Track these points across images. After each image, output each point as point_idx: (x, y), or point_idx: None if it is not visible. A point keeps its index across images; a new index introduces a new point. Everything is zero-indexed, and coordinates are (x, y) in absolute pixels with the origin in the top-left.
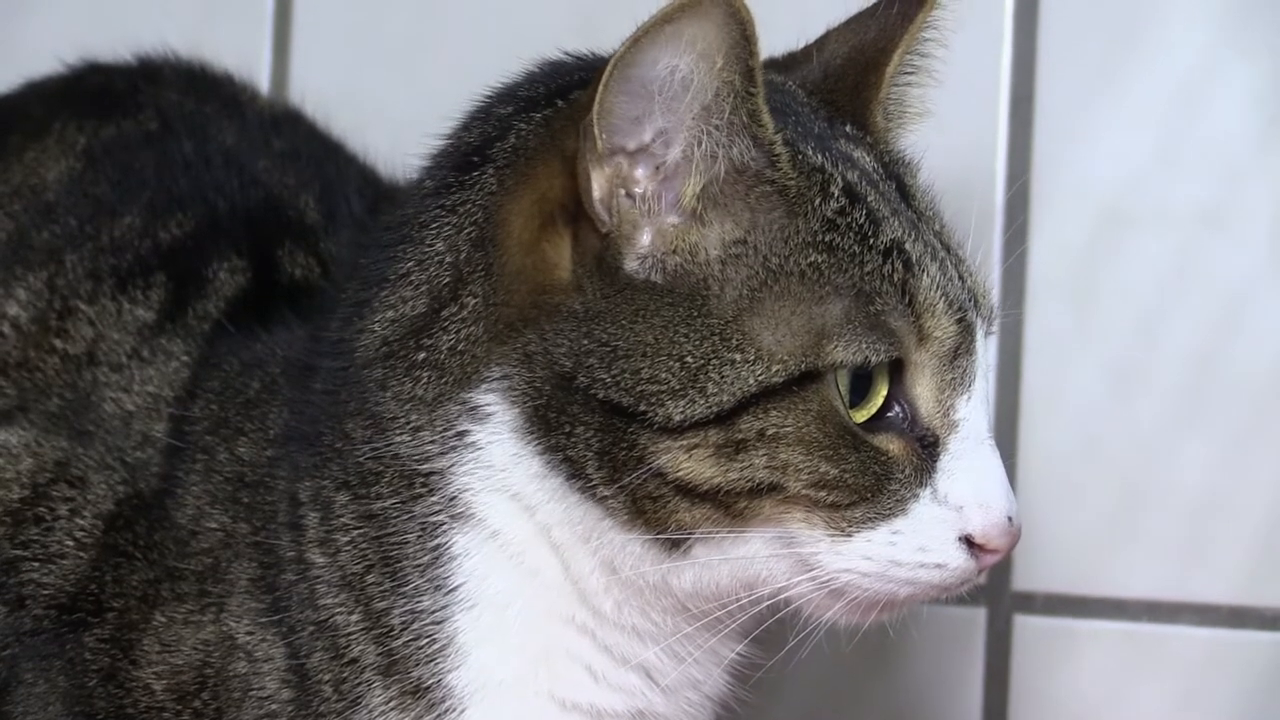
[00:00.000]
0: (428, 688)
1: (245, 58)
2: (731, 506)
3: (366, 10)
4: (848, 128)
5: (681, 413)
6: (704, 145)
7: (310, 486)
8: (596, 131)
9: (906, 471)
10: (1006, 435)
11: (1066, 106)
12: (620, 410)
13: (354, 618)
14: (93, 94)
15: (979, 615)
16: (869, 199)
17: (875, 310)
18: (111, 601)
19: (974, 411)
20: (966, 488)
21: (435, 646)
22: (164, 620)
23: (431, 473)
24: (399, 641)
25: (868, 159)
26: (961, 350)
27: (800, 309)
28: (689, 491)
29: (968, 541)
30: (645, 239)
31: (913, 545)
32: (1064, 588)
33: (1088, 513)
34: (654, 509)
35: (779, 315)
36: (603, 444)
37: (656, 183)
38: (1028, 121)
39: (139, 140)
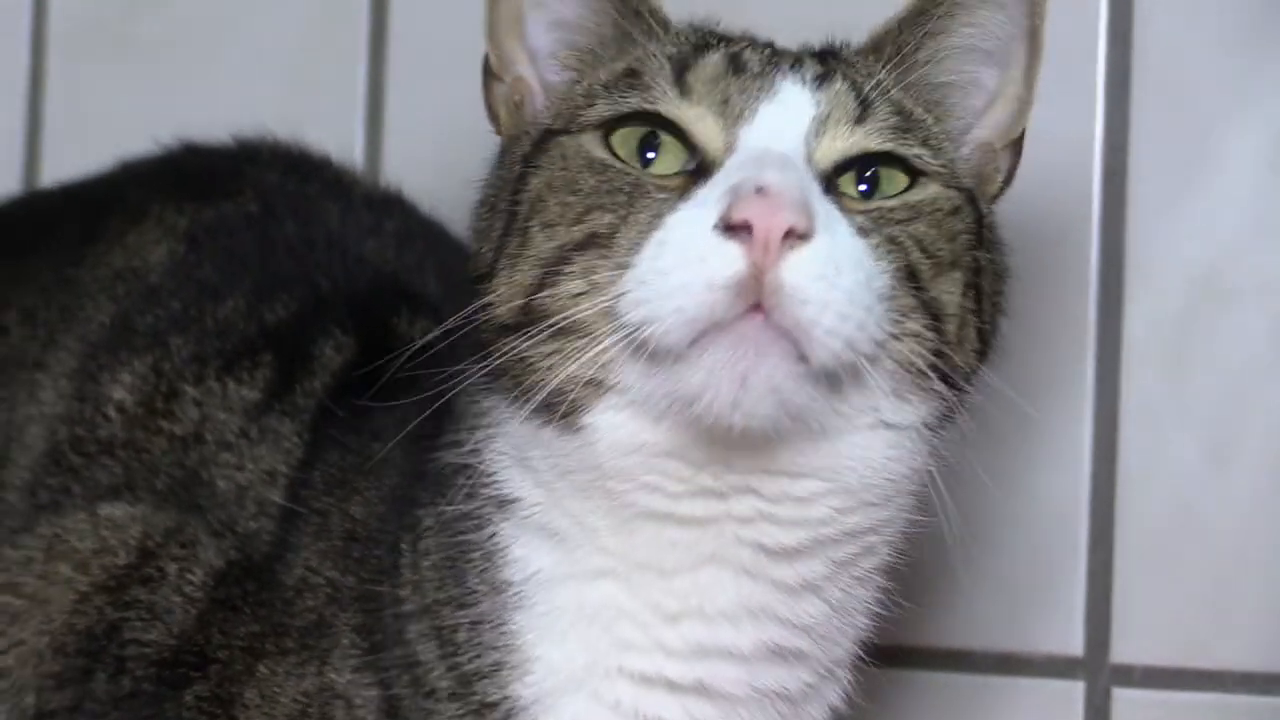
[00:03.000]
0: (494, 703)
1: (338, 137)
2: (551, 310)
3: (460, 90)
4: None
5: (491, 246)
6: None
7: (409, 519)
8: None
9: (666, 189)
10: (1103, 507)
11: (1160, 176)
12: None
13: (430, 645)
14: (192, 176)
15: (1077, 689)
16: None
17: (643, 75)
18: (217, 653)
19: (756, 136)
20: (733, 174)
21: (497, 655)
22: (266, 672)
23: (476, 459)
24: (464, 657)
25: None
26: (735, 84)
27: (591, 89)
28: (521, 327)
29: (729, 229)
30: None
31: (676, 248)
32: (1162, 660)
33: (1185, 584)
34: (520, 373)
35: (565, 104)
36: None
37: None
38: (1121, 192)
39: (240, 222)
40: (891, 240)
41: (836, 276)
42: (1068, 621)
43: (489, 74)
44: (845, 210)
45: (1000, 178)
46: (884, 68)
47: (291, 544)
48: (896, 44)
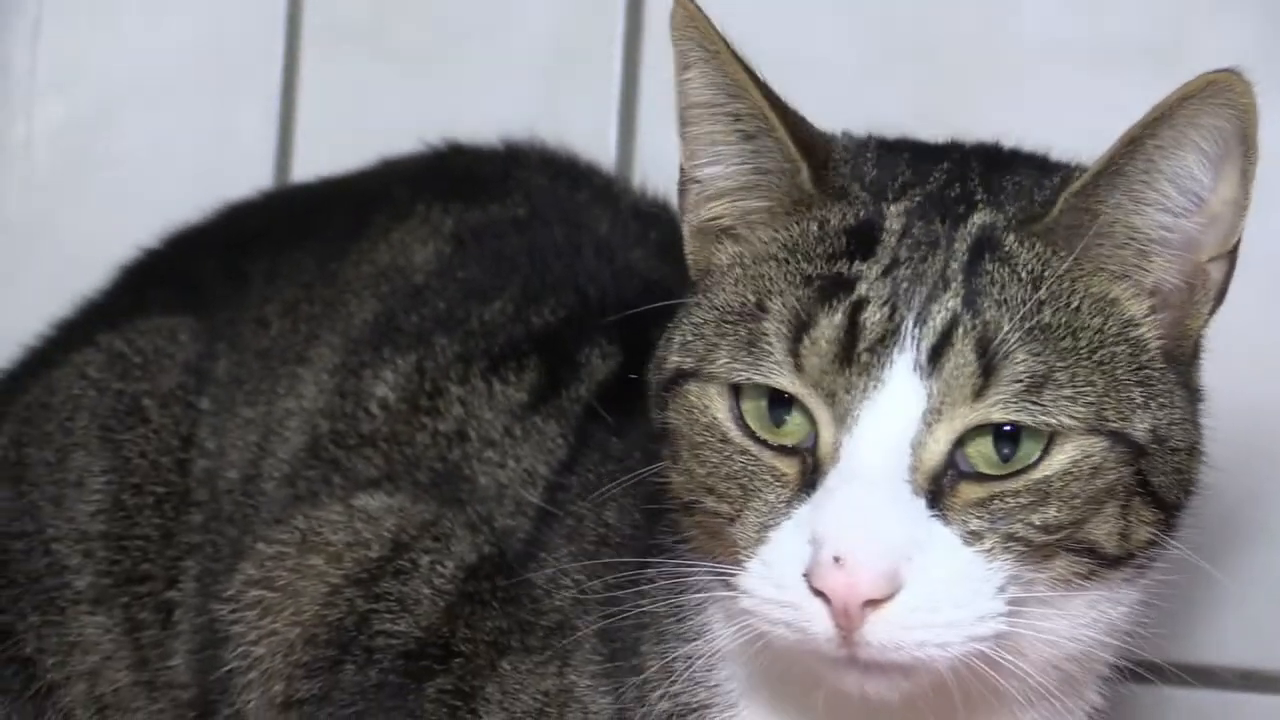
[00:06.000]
0: None
1: (592, 133)
2: (700, 521)
3: None
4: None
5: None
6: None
7: (657, 538)
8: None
9: (781, 488)
10: None
11: None
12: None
13: (656, 664)
14: (458, 176)
15: None
16: (883, 240)
17: (763, 332)
18: (460, 645)
19: (859, 449)
20: (819, 521)
21: (705, 695)
22: (509, 669)
23: None
24: (680, 686)
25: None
26: (840, 380)
27: (725, 315)
28: (684, 507)
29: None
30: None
31: (774, 583)
32: None
33: None
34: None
35: (705, 315)
36: None
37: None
38: None
39: (508, 225)
40: (1009, 537)
41: (932, 614)
42: None
43: (684, 176)
44: (954, 514)
45: (1211, 295)
46: (1041, 283)
47: (544, 544)
48: (1092, 211)
